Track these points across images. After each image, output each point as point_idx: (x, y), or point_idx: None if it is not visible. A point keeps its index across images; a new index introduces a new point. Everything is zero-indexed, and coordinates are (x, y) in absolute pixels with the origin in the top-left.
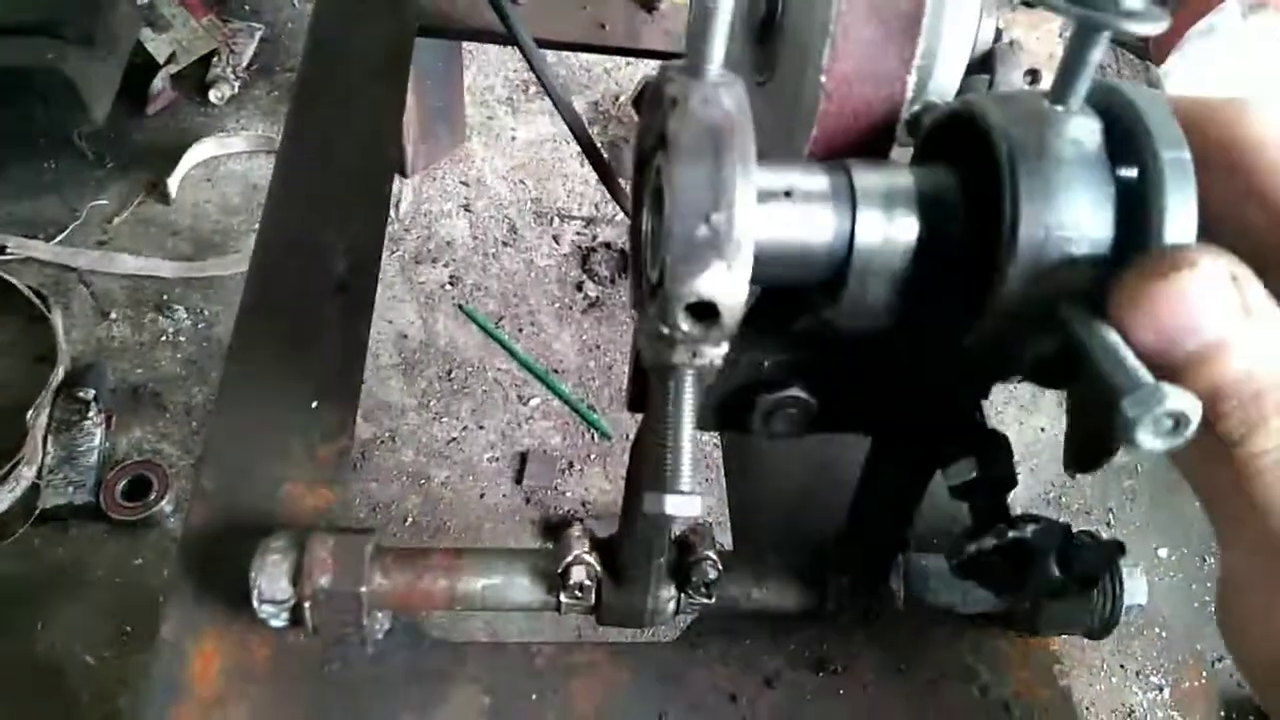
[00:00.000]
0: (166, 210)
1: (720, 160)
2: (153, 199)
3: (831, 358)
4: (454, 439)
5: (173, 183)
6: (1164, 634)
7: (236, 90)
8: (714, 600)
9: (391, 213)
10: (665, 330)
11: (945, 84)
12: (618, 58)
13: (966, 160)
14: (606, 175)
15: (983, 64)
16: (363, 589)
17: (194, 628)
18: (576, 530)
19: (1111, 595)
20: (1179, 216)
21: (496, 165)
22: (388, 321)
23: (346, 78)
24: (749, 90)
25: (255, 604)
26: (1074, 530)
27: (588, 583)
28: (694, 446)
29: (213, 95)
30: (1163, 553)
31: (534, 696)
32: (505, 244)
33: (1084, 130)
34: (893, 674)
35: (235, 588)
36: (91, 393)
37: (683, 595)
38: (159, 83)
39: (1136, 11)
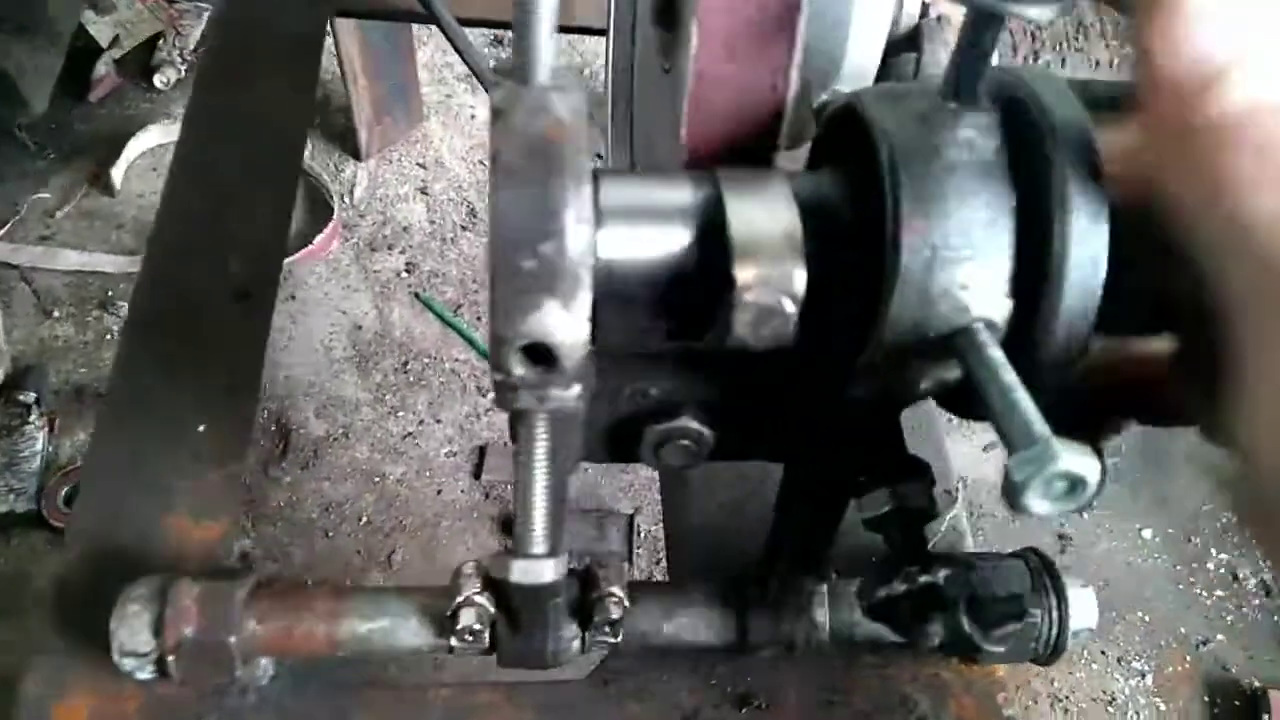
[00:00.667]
0: (111, 202)
1: (549, 181)
2: (96, 190)
3: (725, 383)
4: (410, 434)
5: (116, 173)
6: (1147, 618)
7: (183, 74)
8: (619, 639)
9: (346, 199)
10: (499, 376)
11: (861, 67)
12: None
13: (860, 164)
14: None
15: (910, 41)
16: (231, 639)
17: (60, 679)
18: (468, 567)
19: (1057, 620)
20: (1085, 225)
21: (455, 146)
22: (341, 312)
23: (254, 63)
24: (656, 79)
25: (115, 657)
26: (1015, 550)
27: (478, 626)
28: (550, 501)
29: (158, 80)
30: (1146, 534)
31: None
32: (464, 228)
33: (979, 129)
34: (823, 707)
35: (107, 634)
36: (32, 395)
37: (586, 634)
38: (102, 67)
39: None
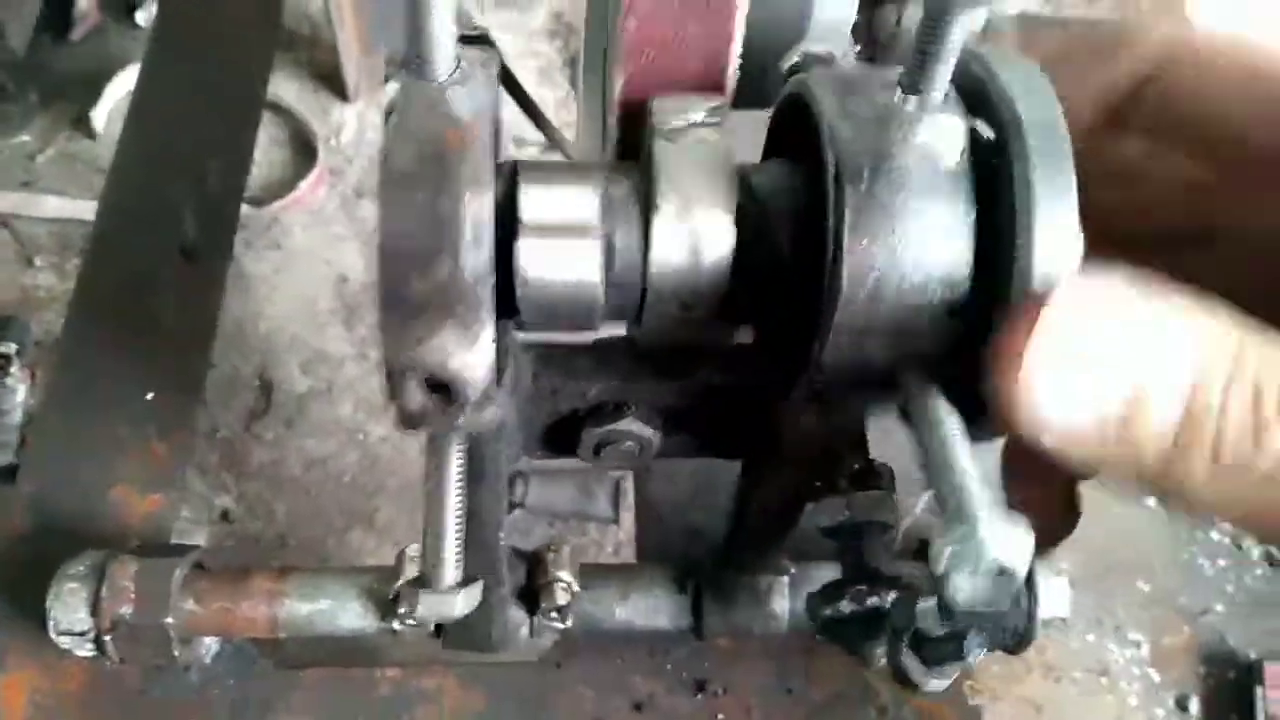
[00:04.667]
0: (93, 145)
1: (441, 189)
2: (78, 133)
3: (671, 385)
4: None
5: (99, 115)
6: (1147, 587)
7: None
8: (569, 624)
9: (333, 142)
10: (396, 406)
11: (834, 20)
12: None
13: (812, 161)
14: (528, 105)
15: None
16: (168, 619)
17: (1, 654)
18: (412, 549)
19: (1025, 610)
20: (1053, 243)
21: None
22: (326, 263)
23: (214, 2)
24: None
25: (53, 635)
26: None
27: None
28: (462, 527)
29: (140, 17)
30: (1151, 501)
31: None
32: None
33: (941, 134)
34: (780, 695)
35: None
36: (13, 347)
37: (534, 619)
38: (83, 4)
39: None
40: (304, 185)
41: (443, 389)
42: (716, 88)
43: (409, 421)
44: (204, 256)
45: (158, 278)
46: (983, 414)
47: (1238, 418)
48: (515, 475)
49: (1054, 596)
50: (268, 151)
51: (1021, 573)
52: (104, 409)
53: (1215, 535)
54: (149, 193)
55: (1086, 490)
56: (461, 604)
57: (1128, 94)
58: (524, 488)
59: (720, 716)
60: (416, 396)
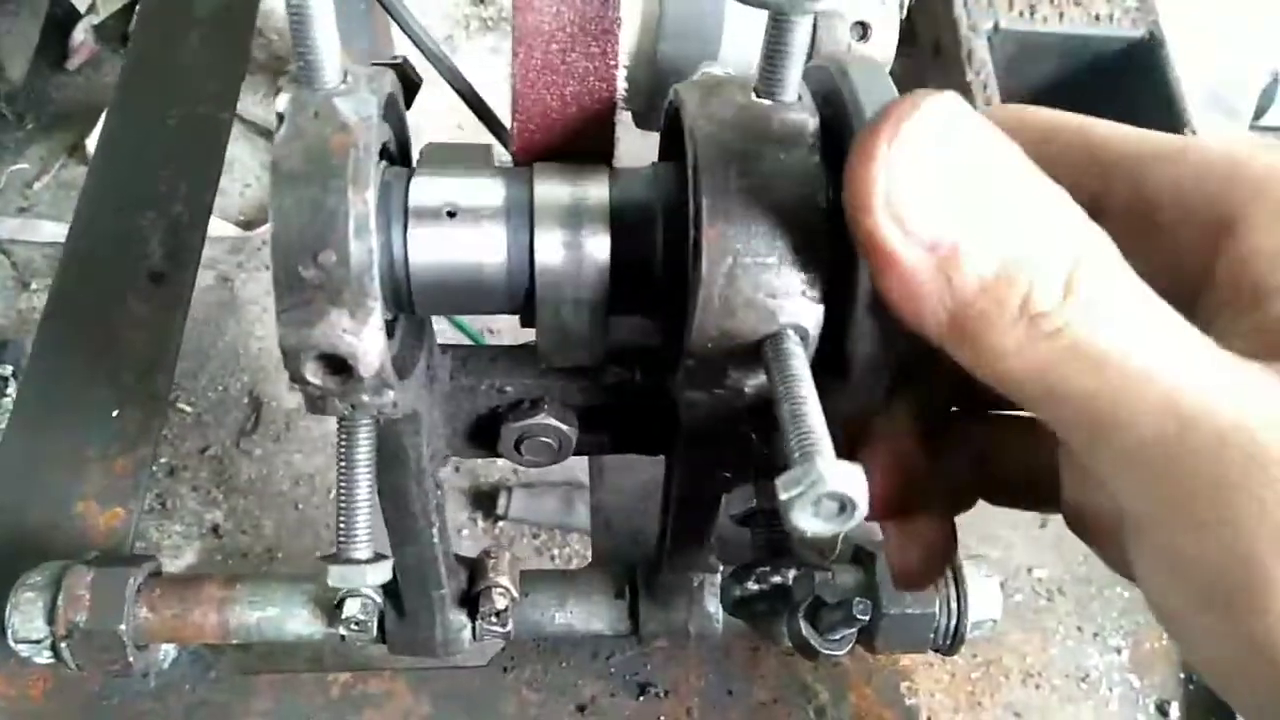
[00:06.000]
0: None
1: (327, 186)
2: (75, 161)
3: (583, 381)
4: None
5: (93, 143)
6: (1126, 593)
7: None
8: (509, 628)
9: None
10: (298, 386)
11: (744, 41)
12: None
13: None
14: (499, 130)
15: None
16: (121, 626)
17: None
18: None
19: (956, 612)
20: None
21: (432, 110)
22: None
23: (184, 34)
24: None
25: (11, 643)
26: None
27: (363, 616)
28: (374, 506)
29: None
30: None
31: None
32: None
33: (792, 129)
34: (721, 696)
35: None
36: (9, 369)
37: (475, 623)
38: (80, 34)
39: None
40: None
41: (340, 370)
42: (605, 135)
43: (313, 404)
44: (169, 280)
45: (123, 301)
46: (844, 377)
47: (1050, 273)
48: (499, 489)
49: (985, 599)
50: (260, 176)
51: (861, 505)
52: (70, 426)
53: None
54: (118, 219)
55: None
56: (371, 576)
57: None
58: (508, 500)
59: (662, 718)
60: (315, 376)
